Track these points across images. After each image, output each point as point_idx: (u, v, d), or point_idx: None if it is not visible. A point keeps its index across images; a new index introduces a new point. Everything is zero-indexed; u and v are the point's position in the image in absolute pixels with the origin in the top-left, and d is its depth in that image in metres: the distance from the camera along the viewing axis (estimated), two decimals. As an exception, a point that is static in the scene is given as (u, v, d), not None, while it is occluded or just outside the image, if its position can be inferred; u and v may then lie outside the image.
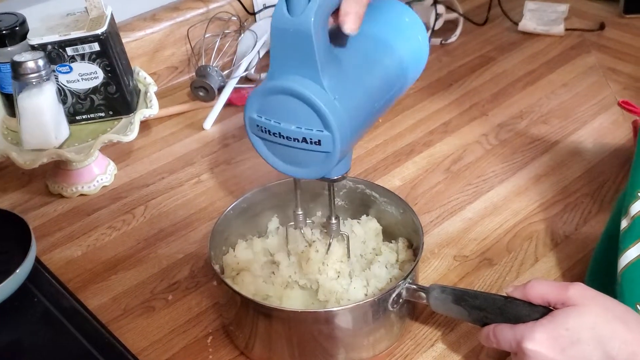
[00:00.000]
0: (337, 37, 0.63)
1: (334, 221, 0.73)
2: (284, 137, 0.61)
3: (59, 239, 0.89)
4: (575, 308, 0.59)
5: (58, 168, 0.94)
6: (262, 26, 1.19)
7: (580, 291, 0.60)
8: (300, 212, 0.75)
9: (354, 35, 0.60)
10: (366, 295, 0.73)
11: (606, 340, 0.57)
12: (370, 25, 0.65)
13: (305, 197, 0.79)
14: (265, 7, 1.24)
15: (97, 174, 0.95)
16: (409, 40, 0.68)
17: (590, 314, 0.58)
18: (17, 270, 0.76)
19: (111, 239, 0.88)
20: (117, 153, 1.01)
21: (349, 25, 0.59)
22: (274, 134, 0.61)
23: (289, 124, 0.60)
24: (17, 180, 0.98)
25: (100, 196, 0.95)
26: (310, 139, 0.59)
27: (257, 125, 0.62)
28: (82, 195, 0.95)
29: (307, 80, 0.58)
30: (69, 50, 0.88)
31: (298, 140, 0.60)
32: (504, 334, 0.62)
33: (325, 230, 0.77)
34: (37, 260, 0.80)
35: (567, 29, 1.27)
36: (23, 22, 0.90)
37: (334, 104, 0.58)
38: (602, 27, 1.28)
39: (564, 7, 1.32)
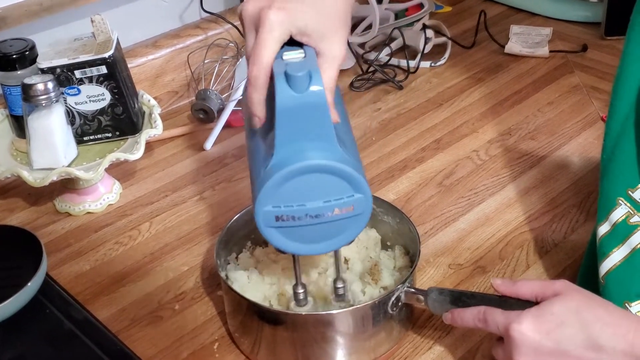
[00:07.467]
0: None
1: (339, 285, 0.70)
2: (311, 217, 0.59)
3: (67, 254, 0.91)
4: (560, 296, 0.63)
5: (65, 187, 0.97)
6: (259, 51, 1.23)
7: (565, 284, 0.65)
8: (301, 291, 0.70)
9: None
10: None
11: (589, 323, 0.61)
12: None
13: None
14: (262, 34, 1.28)
15: (103, 192, 0.99)
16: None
17: (573, 300, 0.63)
18: (29, 283, 0.79)
19: (118, 254, 0.91)
20: (122, 173, 1.05)
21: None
22: (298, 218, 0.59)
23: (315, 201, 0.59)
24: (24, 200, 1.01)
25: (107, 214, 0.98)
26: (343, 207, 0.59)
27: (276, 217, 0.59)
28: (89, 213, 0.98)
29: (327, 152, 0.58)
30: (77, 73, 0.92)
31: (330, 214, 0.59)
32: (493, 316, 0.65)
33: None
34: (47, 275, 0.84)
35: (551, 51, 1.32)
36: (32, 47, 0.93)
37: (356, 165, 0.60)
38: (584, 48, 1.33)
39: (547, 31, 1.38)
